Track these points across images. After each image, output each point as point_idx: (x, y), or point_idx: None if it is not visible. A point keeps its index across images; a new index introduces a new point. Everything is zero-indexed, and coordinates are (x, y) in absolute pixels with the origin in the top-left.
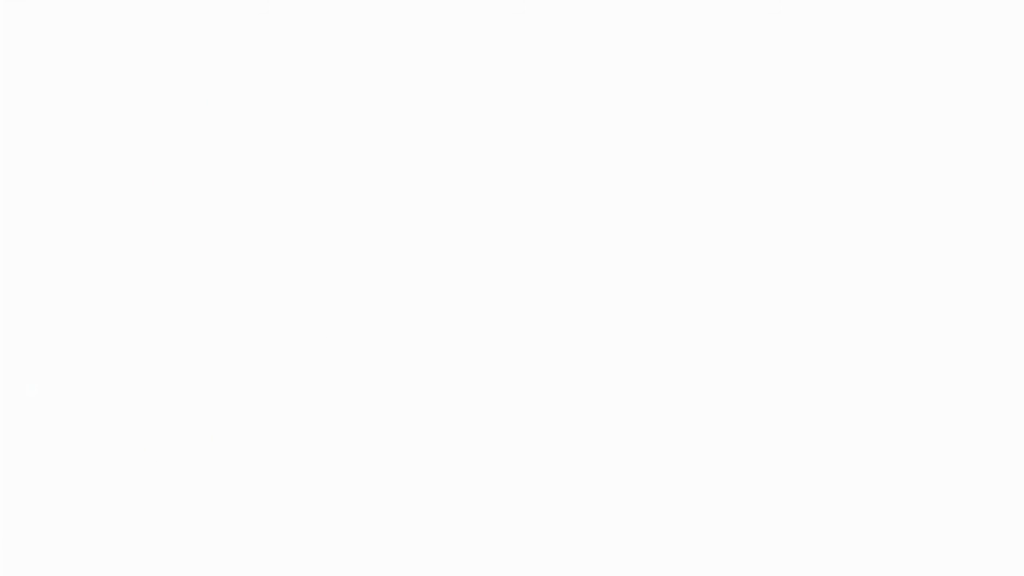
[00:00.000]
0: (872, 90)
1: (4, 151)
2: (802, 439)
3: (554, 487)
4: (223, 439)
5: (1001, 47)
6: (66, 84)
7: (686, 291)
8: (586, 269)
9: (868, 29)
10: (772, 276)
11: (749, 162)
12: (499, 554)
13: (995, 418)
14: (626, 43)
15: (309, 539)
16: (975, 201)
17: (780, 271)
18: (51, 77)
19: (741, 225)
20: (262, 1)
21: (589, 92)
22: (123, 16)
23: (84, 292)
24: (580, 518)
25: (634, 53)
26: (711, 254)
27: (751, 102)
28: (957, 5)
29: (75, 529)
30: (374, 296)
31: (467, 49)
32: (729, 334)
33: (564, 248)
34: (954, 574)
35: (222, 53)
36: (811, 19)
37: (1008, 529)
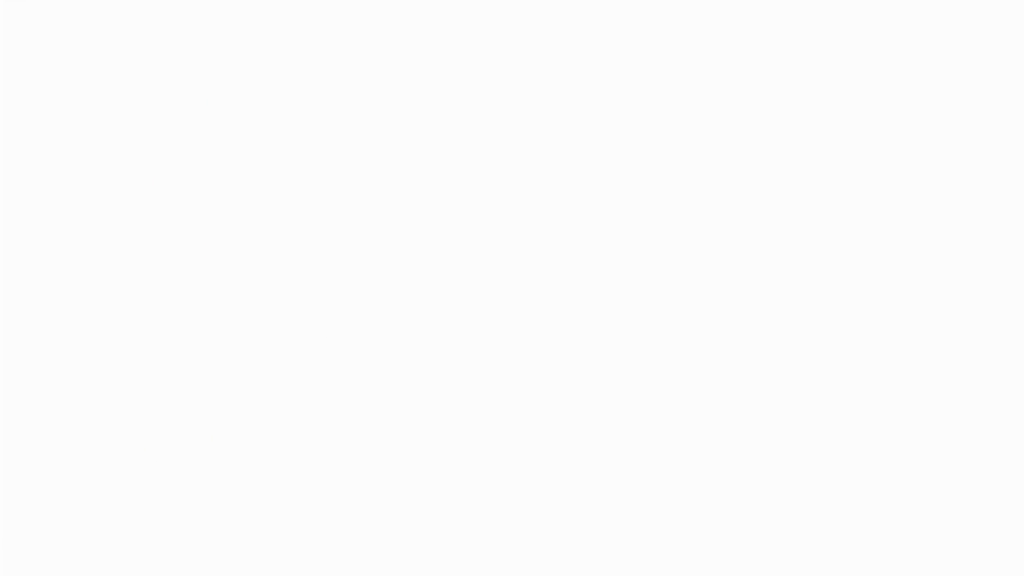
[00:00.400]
0: (872, 90)
1: (4, 151)
2: (802, 439)
3: (554, 487)
4: (223, 439)
5: (1001, 47)
6: (66, 84)
7: (686, 290)
8: (586, 269)
9: (868, 29)
10: (772, 276)
11: (749, 162)
12: (499, 554)
13: (995, 418)
14: (626, 43)
15: (309, 539)
16: (975, 201)
17: (780, 271)
18: (51, 77)
19: (741, 225)
20: (262, 1)
21: (589, 92)
22: (123, 16)
23: (84, 292)
24: (580, 518)
25: (634, 53)
26: (711, 254)
27: (751, 102)
28: (957, 5)
29: (75, 529)
30: (374, 295)
31: (467, 49)
32: (729, 334)
33: (564, 248)
34: (954, 574)
35: (222, 53)
36: (811, 19)
37: (1008, 529)
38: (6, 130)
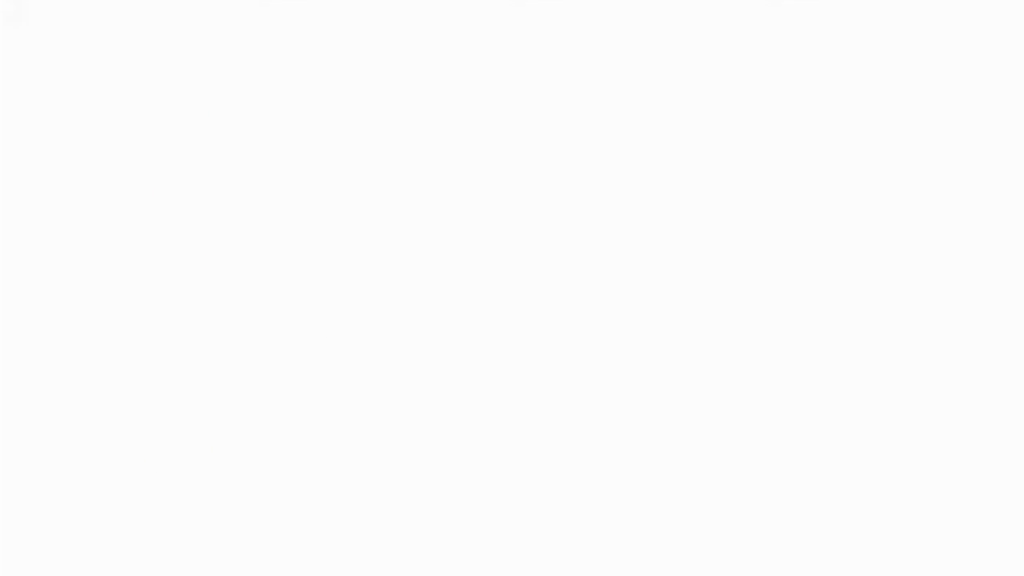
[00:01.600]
0: (872, 91)
1: (4, 152)
2: (802, 440)
3: (555, 488)
4: (224, 439)
5: (1001, 47)
6: (66, 84)
7: (686, 291)
8: (586, 269)
9: (869, 29)
10: (772, 276)
11: (749, 163)
12: (498, 554)
13: (995, 418)
14: (626, 44)
15: (309, 539)
16: (975, 201)
17: (780, 271)
18: (51, 77)
19: (741, 225)
20: (262, 1)
21: (589, 92)
22: (123, 16)
23: (84, 292)
24: (581, 518)
25: (633, 54)
26: (711, 254)
27: (751, 103)
28: (957, 5)
29: (75, 530)
30: (374, 296)
31: (467, 49)
32: (730, 335)
33: (564, 248)
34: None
35: (222, 53)
36: (811, 20)
37: (1008, 529)
38: (6, 130)
